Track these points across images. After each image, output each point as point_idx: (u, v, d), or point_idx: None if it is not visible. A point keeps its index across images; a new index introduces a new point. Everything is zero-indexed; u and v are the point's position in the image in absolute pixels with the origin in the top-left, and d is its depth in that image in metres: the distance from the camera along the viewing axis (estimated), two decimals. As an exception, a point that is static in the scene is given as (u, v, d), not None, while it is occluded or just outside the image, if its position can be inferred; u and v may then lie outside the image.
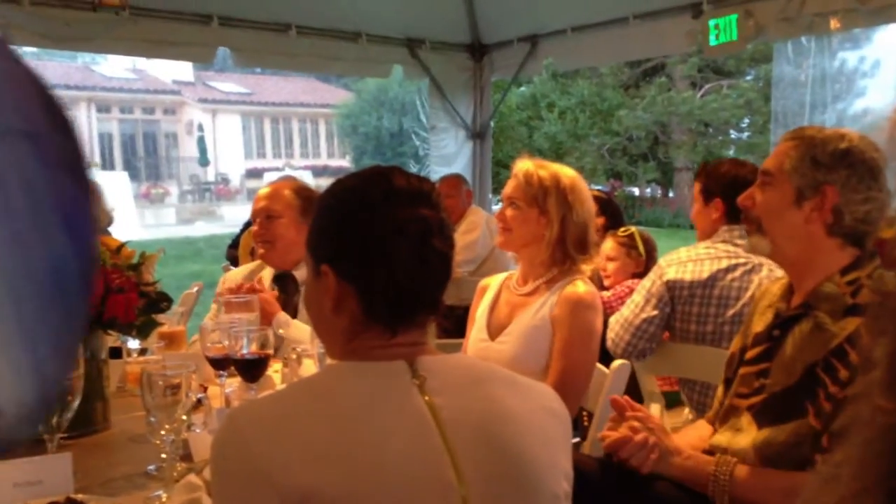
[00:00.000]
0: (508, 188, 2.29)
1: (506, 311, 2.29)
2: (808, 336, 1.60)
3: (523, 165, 2.28)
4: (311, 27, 6.19)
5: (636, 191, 22.63)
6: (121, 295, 1.48)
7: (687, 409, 2.76)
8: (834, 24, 5.05)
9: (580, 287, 2.19)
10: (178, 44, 5.80)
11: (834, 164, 1.62)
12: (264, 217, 2.59)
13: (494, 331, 2.28)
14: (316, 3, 5.99)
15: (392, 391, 1.10)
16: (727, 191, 2.62)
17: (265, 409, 1.10)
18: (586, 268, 2.26)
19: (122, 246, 1.56)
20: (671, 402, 2.90)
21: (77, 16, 4.95)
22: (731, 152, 21.20)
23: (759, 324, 1.76)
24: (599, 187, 21.64)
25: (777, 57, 7.01)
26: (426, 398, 1.10)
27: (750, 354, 1.73)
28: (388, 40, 6.75)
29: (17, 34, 5.02)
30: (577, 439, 2.31)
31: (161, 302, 1.62)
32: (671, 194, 21.96)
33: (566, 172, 2.27)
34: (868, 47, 6.96)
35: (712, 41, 5.44)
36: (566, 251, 2.22)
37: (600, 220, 3.89)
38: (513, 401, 1.16)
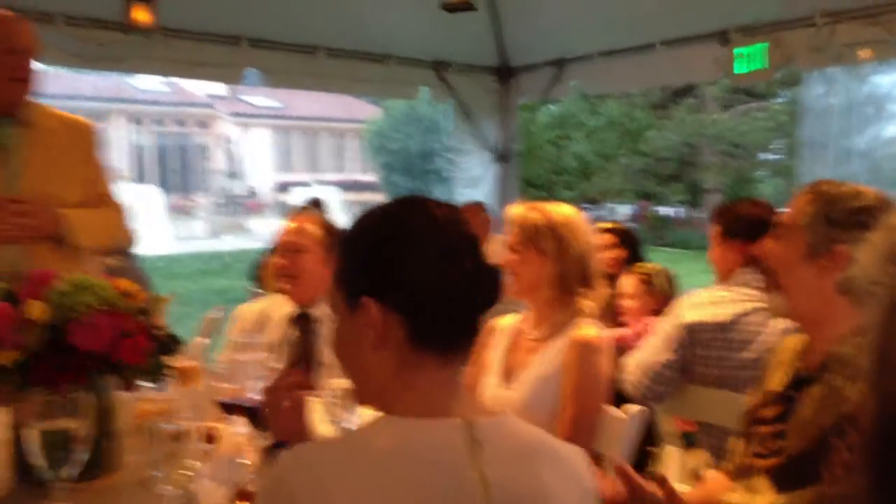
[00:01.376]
0: (508, 236, 2.31)
1: (520, 356, 2.29)
2: (823, 399, 1.57)
3: (515, 210, 2.31)
4: (339, 48, 6.25)
5: (664, 211, 22.52)
6: (130, 339, 1.49)
7: (705, 452, 2.72)
8: (864, 54, 5.00)
9: (588, 331, 2.19)
10: (207, 64, 5.88)
11: (848, 223, 1.60)
12: (291, 251, 2.59)
13: (509, 377, 2.27)
14: (344, 25, 6.03)
15: (446, 459, 1.07)
16: (749, 232, 2.59)
17: (315, 457, 1.08)
18: (591, 303, 2.24)
19: (133, 291, 1.58)
20: (690, 442, 2.85)
21: (109, 36, 5.03)
22: (761, 174, 21.07)
23: (775, 380, 1.73)
24: (627, 207, 21.59)
25: (806, 83, 6.96)
26: (479, 472, 1.07)
27: (767, 413, 1.71)
28: (415, 62, 6.79)
29: (51, 54, 5.12)
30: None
31: (171, 345, 1.63)
32: (700, 215, 21.79)
33: (558, 210, 2.28)
34: (900, 73, 6.87)
35: (739, 69, 5.42)
36: (568, 286, 2.23)
37: (623, 253, 3.87)
38: (556, 482, 1.14)
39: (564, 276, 2.22)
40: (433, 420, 1.10)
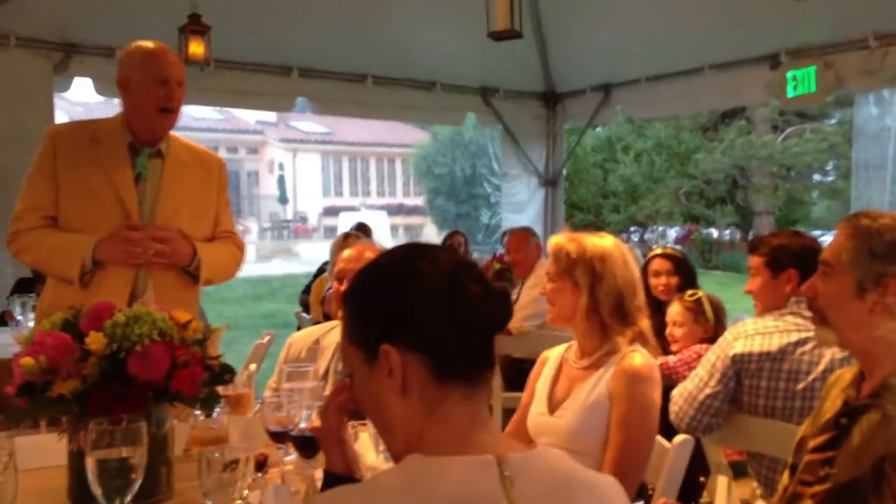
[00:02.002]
0: (547, 265, 2.32)
1: (565, 384, 2.28)
2: (877, 428, 1.55)
3: (555, 240, 2.31)
4: (386, 77, 6.35)
5: (714, 233, 22.22)
6: (186, 370, 1.53)
7: (755, 482, 2.68)
8: (918, 76, 4.92)
9: (636, 360, 2.16)
10: (259, 94, 6.04)
11: (892, 254, 1.59)
12: (350, 279, 2.62)
13: (554, 404, 2.26)
14: (392, 54, 6.14)
15: (479, 495, 1.07)
16: (801, 261, 2.56)
17: (349, 501, 1.09)
18: (626, 338, 2.20)
19: (189, 321, 1.62)
20: (739, 472, 2.81)
21: (165, 69, 5.17)
22: (815, 196, 20.69)
23: (830, 410, 1.71)
24: (675, 231, 21.35)
25: (858, 106, 6.85)
26: None
27: (817, 441, 1.68)
28: (462, 89, 6.87)
29: (108, 87, 5.30)
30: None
31: (224, 374, 1.67)
32: (750, 238, 21.46)
33: (596, 242, 2.25)
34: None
35: (790, 93, 5.37)
36: (602, 321, 2.21)
37: (675, 280, 3.85)
38: None
39: (597, 309, 2.20)
40: (464, 457, 1.11)
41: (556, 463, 1.18)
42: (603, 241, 2.27)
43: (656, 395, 2.16)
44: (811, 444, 1.70)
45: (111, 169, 2.56)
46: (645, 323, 2.25)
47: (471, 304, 1.14)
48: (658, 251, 4.08)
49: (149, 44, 2.62)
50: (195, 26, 4.79)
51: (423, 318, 1.14)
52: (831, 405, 1.72)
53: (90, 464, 1.36)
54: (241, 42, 5.37)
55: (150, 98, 2.53)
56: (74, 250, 2.47)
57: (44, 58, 5.06)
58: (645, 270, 3.82)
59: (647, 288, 3.63)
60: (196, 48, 4.78)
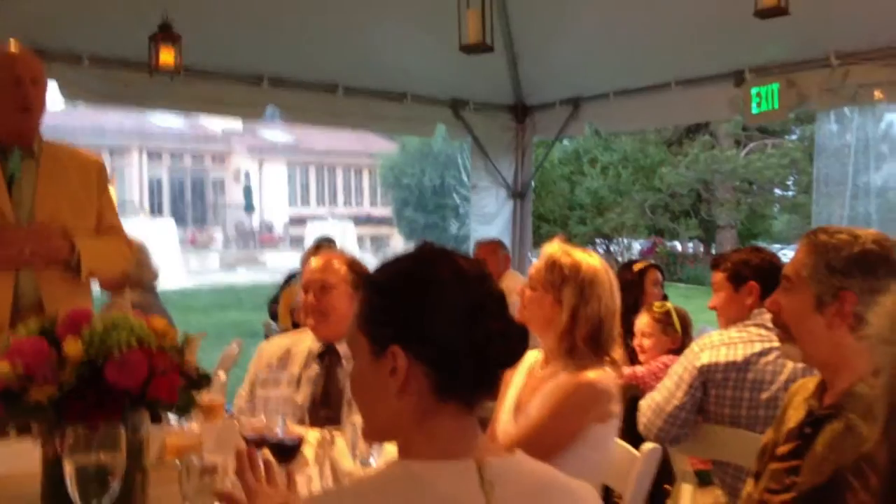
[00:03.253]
0: (532, 268, 2.31)
1: (528, 392, 2.29)
2: (840, 437, 1.60)
3: (549, 249, 2.28)
4: (357, 87, 6.35)
5: (678, 247, 22.49)
6: (164, 377, 1.54)
7: (719, 491, 2.73)
8: (878, 95, 5.04)
9: (590, 374, 2.13)
10: (229, 102, 6.00)
11: (849, 269, 1.64)
12: (318, 288, 2.63)
13: (517, 413, 2.28)
14: (363, 65, 6.14)
15: (460, 499, 1.10)
16: (761, 274, 2.64)
17: None
18: (593, 364, 2.15)
19: (167, 329, 1.63)
20: (704, 480, 2.86)
21: (134, 76, 5.15)
22: (776, 211, 21.05)
23: (793, 419, 1.76)
24: (640, 243, 21.57)
25: (820, 121, 7.00)
26: None
27: (781, 450, 1.73)
28: (432, 100, 6.88)
29: (77, 92, 5.26)
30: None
31: (201, 381, 1.68)
32: (713, 251, 21.75)
33: (591, 262, 2.22)
34: (916, 108, 6.90)
35: (754, 109, 5.46)
36: (574, 344, 2.18)
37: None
38: None
39: (573, 332, 2.17)
40: (446, 462, 1.13)
41: (535, 468, 1.21)
42: (595, 263, 2.23)
43: (595, 407, 2.11)
44: (777, 451, 1.75)
45: None
46: (617, 353, 2.24)
47: (490, 337, 1.16)
48: (640, 265, 4.14)
49: (2, 46, 2.67)
50: (166, 35, 4.77)
51: (439, 337, 1.15)
52: (794, 413, 1.77)
53: (69, 469, 1.37)
54: (211, 50, 5.34)
55: (6, 98, 2.57)
56: None
57: (10, 62, 5.00)
58: (641, 281, 3.90)
59: (644, 297, 3.72)
60: (167, 56, 4.75)
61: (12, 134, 2.63)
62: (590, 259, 2.24)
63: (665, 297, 3.87)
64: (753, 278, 2.70)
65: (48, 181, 2.65)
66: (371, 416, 1.23)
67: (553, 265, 2.22)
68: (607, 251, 20.48)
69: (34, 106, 2.64)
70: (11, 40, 2.68)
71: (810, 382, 1.81)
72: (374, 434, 1.25)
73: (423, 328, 1.15)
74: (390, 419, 1.18)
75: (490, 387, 1.21)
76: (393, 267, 1.24)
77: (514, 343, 1.20)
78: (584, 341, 2.17)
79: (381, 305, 1.20)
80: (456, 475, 1.12)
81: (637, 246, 21.57)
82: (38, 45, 5.04)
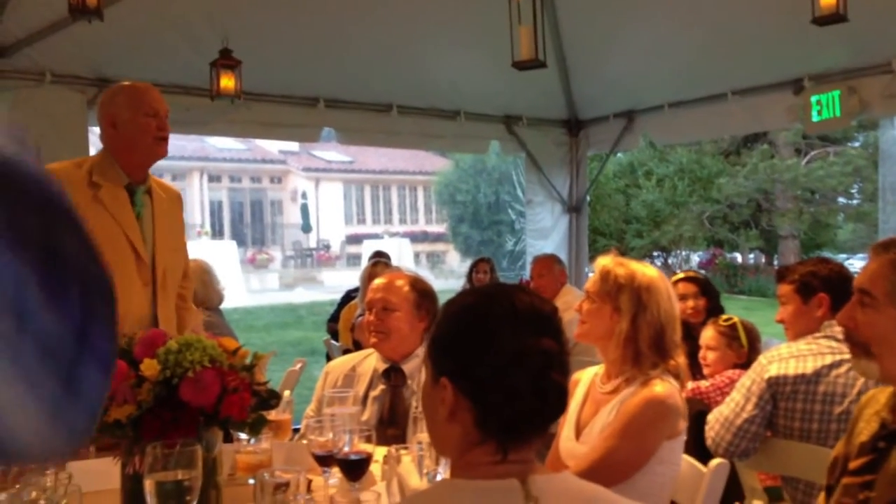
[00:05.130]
0: (588, 282, 2.32)
1: (590, 409, 2.27)
2: None
3: (603, 261, 2.28)
4: (411, 106, 6.43)
5: (738, 258, 22.08)
6: (235, 395, 1.59)
7: (791, 507, 2.68)
8: (943, 99, 4.92)
9: (657, 386, 2.11)
10: (286, 125, 6.14)
11: None
12: (381, 308, 2.67)
13: (580, 429, 2.26)
14: (416, 85, 6.22)
15: None
16: (831, 285, 2.58)
17: None
18: (658, 370, 2.15)
19: (238, 348, 1.68)
20: (774, 496, 2.80)
21: (196, 102, 5.29)
22: (840, 220, 20.53)
23: (865, 432, 1.71)
24: (699, 255, 21.26)
25: (883, 129, 6.85)
26: None
27: (854, 465, 1.69)
28: (485, 117, 6.93)
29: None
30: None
31: (271, 399, 1.72)
32: (775, 262, 21.31)
33: (645, 271, 2.23)
34: (983, 118, 6.69)
35: (815, 117, 5.37)
36: (638, 350, 2.17)
37: (703, 303, 3.87)
38: None
39: (636, 338, 2.16)
40: (491, 481, 1.16)
41: (581, 484, 1.23)
42: (650, 272, 2.24)
43: (666, 424, 2.11)
44: (849, 466, 1.71)
45: (116, 211, 2.68)
46: (682, 359, 2.22)
47: (524, 391, 1.18)
48: (680, 275, 4.09)
49: (133, 83, 2.80)
50: (226, 61, 4.90)
51: (482, 378, 1.19)
52: (865, 426, 1.73)
53: (148, 486, 1.41)
54: (269, 74, 5.47)
55: (145, 129, 2.68)
56: None
57: (78, 93, 5.18)
58: None
59: None
60: (227, 82, 4.88)
61: (141, 168, 2.76)
62: (644, 268, 2.26)
63: (710, 308, 3.80)
64: (823, 290, 2.63)
65: (161, 217, 2.79)
66: (431, 432, 1.32)
67: (607, 275, 2.23)
68: (665, 264, 20.22)
69: (167, 136, 2.77)
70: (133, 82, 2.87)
71: (881, 395, 1.76)
72: (435, 446, 1.33)
73: (468, 367, 1.20)
74: (444, 439, 1.25)
75: (533, 431, 1.22)
76: (457, 301, 1.30)
77: (552, 397, 1.21)
78: (648, 347, 2.16)
79: (440, 338, 1.27)
80: (499, 492, 1.15)
81: (695, 258, 21.25)
82: (103, 74, 5.24)
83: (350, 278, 11.51)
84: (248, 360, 1.69)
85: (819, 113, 5.31)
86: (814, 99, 5.32)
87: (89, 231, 0.74)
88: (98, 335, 0.71)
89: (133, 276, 2.65)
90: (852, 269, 2.70)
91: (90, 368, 0.70)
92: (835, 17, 3.75)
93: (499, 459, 1.18)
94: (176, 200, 2.95)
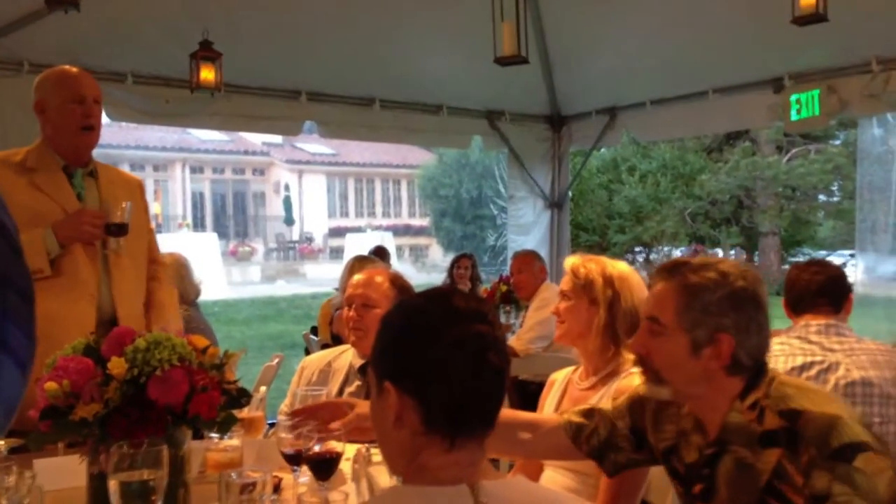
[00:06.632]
0: (561, 283, 2.36)
1: (568, 406, 2.29)
2: (735, 474, 1.56)
3: (572, 260, 2.35)
4: (393, 101, 6.41)
5: (720, 254, 22.21)
6: (204, 394, 1.57)
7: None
8: (921, 100, 4.95)
9: (636, 379, 2.17)
10: (268, 118, 6.09)
11: (723, 310, 1.57)
12: (360, 304, 2.65)
13: None
14: (399, 79, 6.20)
15: None
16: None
17: None
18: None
19: (207, 347, 1.66)
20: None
21: (176, 94, 5.25)
22: (821, 217, 20.70)
23: (691, 453, 1.69)
24: (681, 251, 21.36)
25: (862, 128, 6.89)
26: None
27: (696, 489, 1.67)
28: (468, 112, 6.92)
29: (120, 110, 5.36)
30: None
31: (241, 398, 1.71)
32: (756, 259, 21.46)
33: (614, 264, 2.31)
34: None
35: (794, 116, 5.40)
36: (616, 335, 2.23)
37: None
38: None
39: (614, 325, 2.22)
40: (440, 487, 1.17)
41: (531, 487, 1.24)
42: (619, 265, 2.32)
43: None
44: (693, 489, 1.69)
45: (54, 192, 2.63)
46: None
47: (464, 375, 1.19)
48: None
49: (63, 67, 2.75)
50: (206, 52, 4.85)
51: (423, 373, 1.21)
52: (690, 450, 1.70)
53: (113, 486, 1.40)
54: (250, 67, 5.43)
55: (70, 117, 2.63)
56: (35, 241, 2.49)
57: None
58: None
59: None
60: (207, 74, 4.84)
61: (74, 153, 2.70)
62: (613, 262, 2.33)
63: None
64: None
65: (110, 199, 2.72)
66: (382, 447, 1.31)
67: (578, 271, 2.30)
68: (647, 259, 20.30)
69: (97, 125, 2.71)
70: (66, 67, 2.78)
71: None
72: (387, 462, 1.31)
73: (408, 364, 1.21)
74: (394, 448, 1.25)
75: (480, 422, 1.23)
76: (397, 307, 1.33)
77: (491, 380, 1.22)
78: (626, 334, 2.19)
79: (381, 344, 1.28)
80: (448, 498, 1.15)
81: (677, 254, 21.35)
82: (83, 64, 5.15)
83: (332, 271, 11.47)
84: (218, 359, 1.67)
85: (798, 112, 5.34)
86: (793, 98, 5.34)
87: (10, 231, 0.73)
88: (14, 334, 0.70)
89: (77, 251, 2.58)
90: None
91: (6, 366, 0.69)
92: (815, 17, 3.77)
93: (447, 448, 1.19)
94: (135, 187, 2.91)
